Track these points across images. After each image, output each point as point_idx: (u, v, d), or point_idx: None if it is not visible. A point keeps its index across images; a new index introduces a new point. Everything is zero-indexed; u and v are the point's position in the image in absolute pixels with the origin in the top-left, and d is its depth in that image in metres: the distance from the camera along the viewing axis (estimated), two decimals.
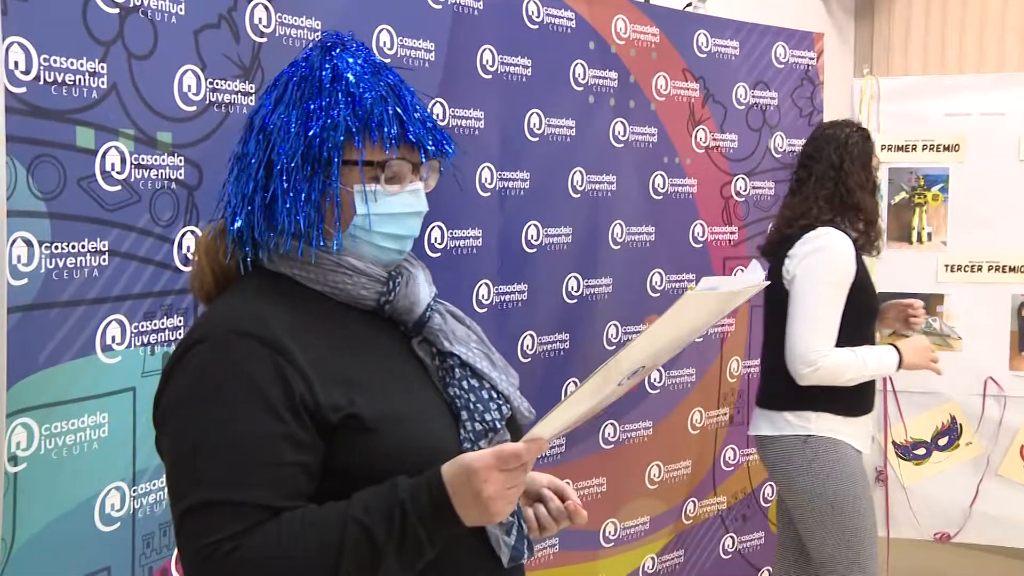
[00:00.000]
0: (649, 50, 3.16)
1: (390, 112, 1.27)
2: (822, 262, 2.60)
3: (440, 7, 2.56)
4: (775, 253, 2.75)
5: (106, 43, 1.81)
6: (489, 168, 2.72)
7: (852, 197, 2.68)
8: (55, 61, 1.72)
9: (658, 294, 3.23)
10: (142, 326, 1.89)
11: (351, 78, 1.27)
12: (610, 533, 3.16)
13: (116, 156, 1.83)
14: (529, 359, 2.88)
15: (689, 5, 3.58)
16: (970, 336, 3.65)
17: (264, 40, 2.13)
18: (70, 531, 1.78)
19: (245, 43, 2.08)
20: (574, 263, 2.99)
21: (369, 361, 1.27)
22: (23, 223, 1.68)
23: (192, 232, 1.97)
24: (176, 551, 1.94)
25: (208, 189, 1.97)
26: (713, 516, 3.45)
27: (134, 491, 1.89)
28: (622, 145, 3.10)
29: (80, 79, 1.76)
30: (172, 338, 1.94)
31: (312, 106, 1.25)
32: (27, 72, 1.69)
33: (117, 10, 1.83)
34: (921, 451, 3.69)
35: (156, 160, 1.90)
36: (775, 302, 2.72)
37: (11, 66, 1.66)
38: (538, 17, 2.84)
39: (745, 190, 3.44)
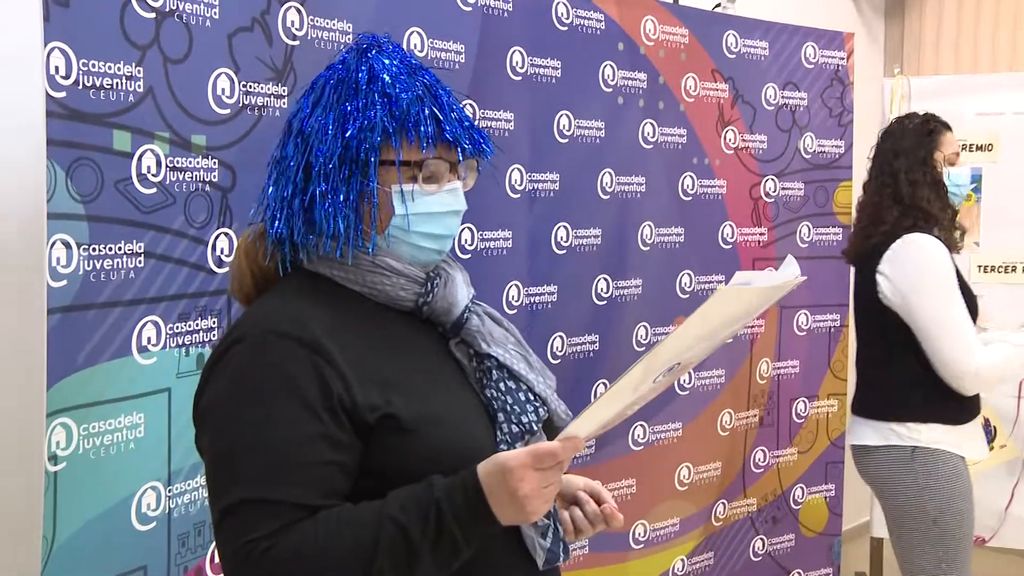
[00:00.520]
0: (678, 51, 3.15)
1: (426, 112, 1.28)
2: (924, 273, 2.56)
3: (470, 9, 2.57)
4: (862, 262, 2.71)
5: (143, 47, 1.83)
6: (519, 169, 2.73)
7: (912, 194, 2.62)
8: (94, 66, 1.74)
9: (688, 295, 3.22)
10: (177, 327, 1.91)
11: (387, 79, 1.28)
12: (640, 535, 3.15)
13: (152, 159, 1.85)
14: (559, 360, 2.88)
15: (718, 6, 3.57)
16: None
17: (296, 43, 2.14)
18: (108, 530, 1.80)
19: (278, 46, 2.09)
20: (604, 264, 2.98)
21: (407, 362, 1.27)
22: (62, 225, 1.71)
23: (226, 234, 1.99)
24: (211, 550, 1.96)
25: (242, 191, 1.99)
26: (743, 518, 3.44)
27: (169, 491, 1.91)
28: (651, 146, 3.10)
29: (117, 83, 1.78)
30: (207, 339, 1.96)
31: (349, 108, 1.26)
32: (67, 77, 1.71)
33: (153, 14, 1.85)
34: None
35: (190, 163, 1.92)
36: (868, 311, 2.69)
37: (52, 71, 1.69)
38: (567, 18, 2.84)
39: (775, 191, 3.43)
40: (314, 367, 1.19)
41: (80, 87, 1.72)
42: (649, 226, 3.11)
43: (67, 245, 1.71)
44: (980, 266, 3.66)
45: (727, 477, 3.39)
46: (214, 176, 1.97)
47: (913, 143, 2.68)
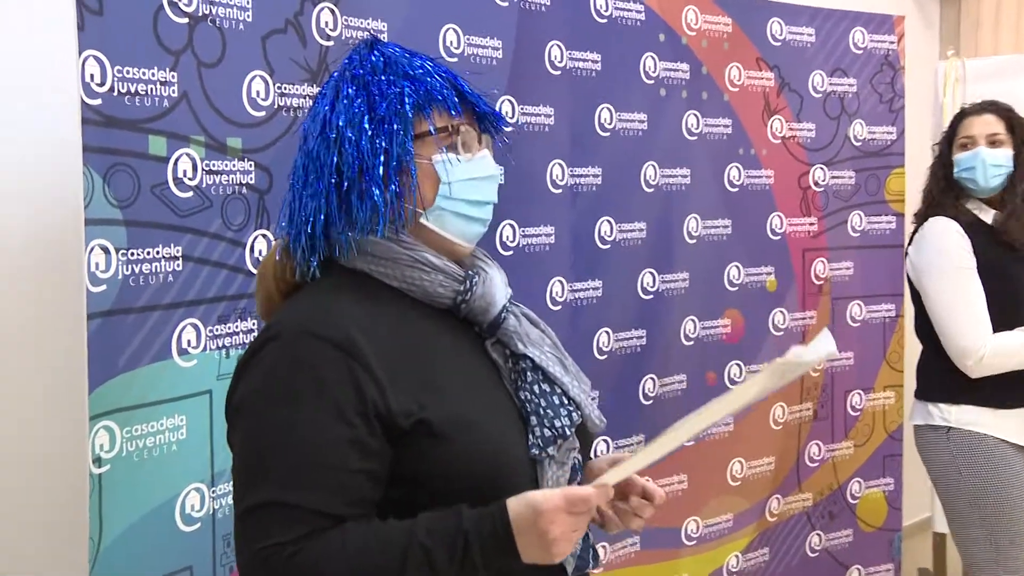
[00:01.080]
0: (721, 40, 3.11)
1: (447, 86, 1.29)
2: (931, 253, 2.60)
3: (507, 4, 2.56)
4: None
5: (176, 52, 1.84)
6: (560, 164, 2.71)
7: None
8: (128, 72, 1.76)
9: (736, 288, 3.18)
10: (216, 329, 1.92)
11: (401, 60, 1.29)
12: (692, 531, 3.11)
13: (188, 163, 1.86)
14: (605, 356, 2.85)
15: None
16: None
17: (331, 43, 2.14)
18: (153, 531, 1.82)
19: (312, 47, 2.10)
20: (649, 258, 2.95)
21: (442, 361, 1.26)
22: (100, 231, 1.73)
23: (264, 236, 2.00)
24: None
25: (278, 193, 1.99)
26: (799, 513, 3.38)
27: (213, 492, 1.92)
28: (695, 138, 3.06)
29: (152, 88, 1.80)
30: (246, 341, 1.97)
31: (373, 89, 1.26)
32: (102, 84, 1.73)
33: (186, 19, 1.86)
34: None
35: (227, 166, 1.93)
36: (915, 294, 2.72)
37: (87, 79, 1.71)
38: (607, 11, 2.82)
39: (824, 180, 3.36)
40: (348, 370, 1.18)
41: (115, 93, 1.74)
42: (695, 218, 3.07)
43: (105, 250, 1.73)
44: None
45: (781, 472, 3.33)
46: (250, 178, 1.98)
47: (945, 132, 2.71)
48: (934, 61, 4.11)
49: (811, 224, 3.36)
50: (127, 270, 1.76)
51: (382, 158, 1.24)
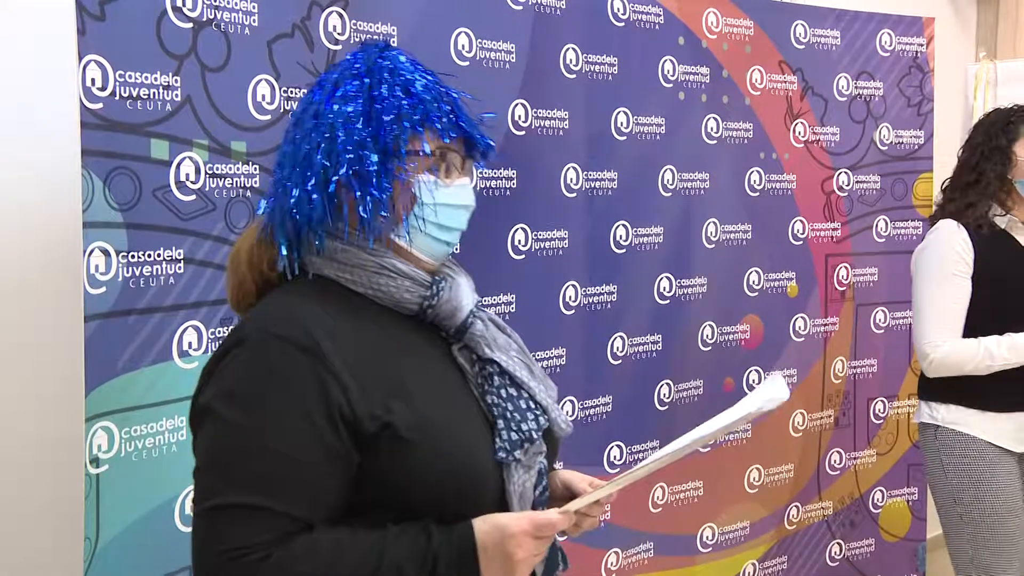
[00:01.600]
0: (743, 43, 3.07)
1: (446, 107, 1.29)
2: (924, 254, 2.63)
3: (521, 8, 2.55)
4: None
5: (180, 57, 1.86)
6: (575, 168, 2.69)
7: (974, 182, 2.64)
8: (130, 76, 1.78)
9: (756, 293, 3.15)
10: (219, 332, 1.94)
11: (407, 72, 1.29)
12: (708, 538, 3.09)
13: (191, 166, 1.88)
14: (620, 361, 2.84)
15: None
16: None
17: (339, 47, 2.15)
18: (152, 531, 1.84)
19: (319, 51, 2.11)
20: (666, 263, 2.93)
21: (409, 366, 1.26)
22: (100, 234, 1.75)
23: None
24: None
25: None
26: (819, 522, 3.34)
27: None
28: (715, 141, 3.03)
29: (154, 92, 1.82)
30: None
31: (376, 94, 1.26)
32: (103, 88, 1.75)
33: (191, 24, 1.88)
34: None
35: (230, 169, 1.95)
36: None
37: (88, 83, 1.73)
38: (624, 14, 2.80)
39: (848, 184, 3.32)
40: (315, 375, 1.18)
41: (116, 97, 1.76)
42: (714, 223, 3.04)
43: (106, 252, 1.75)
44: None
45: (801, 479, 3.29)
46: (255, 181, 1.99)
47: (988, 135, 2.62)
48: (970, 63, 4.04)
49: (835, 229, 3.31)
50: (128, 272, 1.78)
51: (371, 167, 1.24)
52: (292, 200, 1.27)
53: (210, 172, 1.91)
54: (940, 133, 3.52)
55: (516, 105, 2.55)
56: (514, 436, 1.26)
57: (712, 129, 3.02)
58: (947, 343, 2.52)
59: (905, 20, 3.41)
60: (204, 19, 1.90)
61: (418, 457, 1.20)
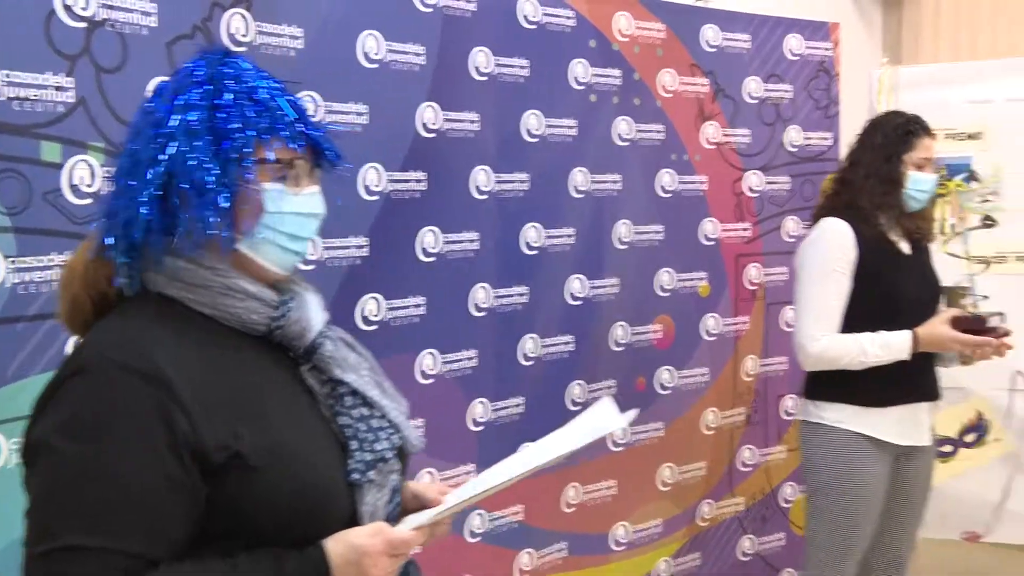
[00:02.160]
0: (654, 46, 3.11)
1: (292, 116, 1.25)
2: (809, 250, 2.68)
3: (430, 10, 2.55)
4: None
5: (72, 57, 1.82)
6: (485, 171, 2.70)
7: (860, 186, 2.67)
8: (18, 77, 1.74)
9: (668, 293, 3.18)
10: None
11: (253, 80, 1.25)
12: (621, 536, 3.12)
13: (85, 169, 1.84)
14: (532, 362, 2.85)
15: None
16: None
17: (243, 50, 2.12)
18: None
19: None
20: (578, 264, 2.95)
21: (257, 389, 1.22)
22: None
23: None
24: None
25: None
26: (731, 518, 3.39)
27: None
28: (627, 143, 3.06)
29: (45, 94, 1.77)
30: None
31: (220, 103, 1.21)
32: None
33: (84, 24, 1.84)
34: (947, 448, 3.58)
35: None
36: None
37: None
38: (535, 17, 2.81)
39: (759, 186, 3.38)
40: (158, 405, 1.12)
41: (3, 98, 1.72)
42: (626, 224, 3.07)
43: None
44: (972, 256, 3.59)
45: (713, 477, 3.34)
46: None
47: (885, 140, 2.66)
48: (875, 68, 4.14)
49: (745, 229, 3.37)
50: (17, 278, 1.73)
51: (215, 177, 1.19)
52: (130, 214, 1.20)
53: (107, 176, 1.87)
54: (846, 136, 3.59)
55: (426, 108, 2.54)
56: (368, 457, 1.24)
57: (624, 131, 3.05)
58: (825, 337, 2.56)
59: (812, 25, 3.48)
60: (97, 19, 1.86)
61: (268, 484, 1.16)
